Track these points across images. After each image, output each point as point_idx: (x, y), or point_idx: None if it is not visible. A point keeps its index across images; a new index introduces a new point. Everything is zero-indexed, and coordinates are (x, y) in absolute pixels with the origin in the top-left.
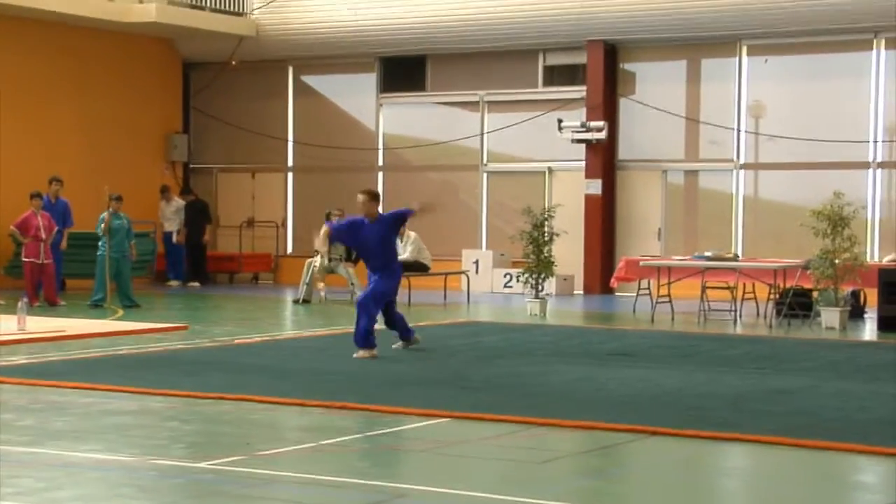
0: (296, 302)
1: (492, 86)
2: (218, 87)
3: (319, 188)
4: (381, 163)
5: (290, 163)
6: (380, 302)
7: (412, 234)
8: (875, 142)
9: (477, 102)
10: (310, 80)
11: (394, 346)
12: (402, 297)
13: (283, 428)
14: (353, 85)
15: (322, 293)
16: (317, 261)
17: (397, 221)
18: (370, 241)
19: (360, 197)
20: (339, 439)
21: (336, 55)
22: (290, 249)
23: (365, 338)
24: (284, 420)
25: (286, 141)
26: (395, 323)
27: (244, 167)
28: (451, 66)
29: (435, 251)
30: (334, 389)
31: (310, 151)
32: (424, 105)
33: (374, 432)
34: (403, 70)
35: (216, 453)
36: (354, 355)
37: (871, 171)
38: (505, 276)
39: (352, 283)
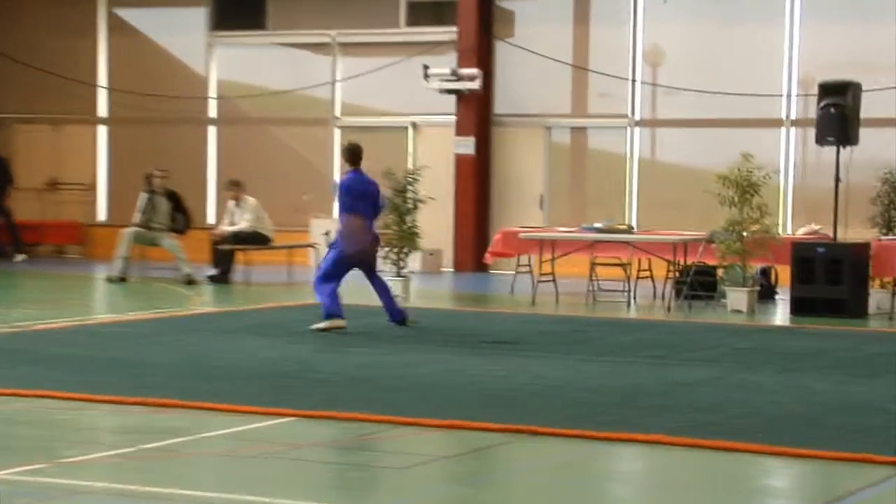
0: (110, 280)
1: (345, 24)
2: (12, 21)
3: (138, 144)
4: (213, 115)
5: (102, 113)
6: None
7: (250, 199)
8: (789, 96)
9: (328, 44)
10: (125, 13)
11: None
12: (238, 273)
13: (94, 430)
14: (178, 20)
15: None
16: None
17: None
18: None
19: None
20: (162, 443)
21: None
22: (102, 217)
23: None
24: (96, 421)
25: (97, 87)
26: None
27: (46, 118)
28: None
29: (277, 220)
30: (158, 384)
31: (126, 100)
32: (264, 47)
33: (205, 434)
34: (239, 4)
35: (10, 461)
36: (311, 327)
37: (784, 129)
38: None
39: (178, 258)
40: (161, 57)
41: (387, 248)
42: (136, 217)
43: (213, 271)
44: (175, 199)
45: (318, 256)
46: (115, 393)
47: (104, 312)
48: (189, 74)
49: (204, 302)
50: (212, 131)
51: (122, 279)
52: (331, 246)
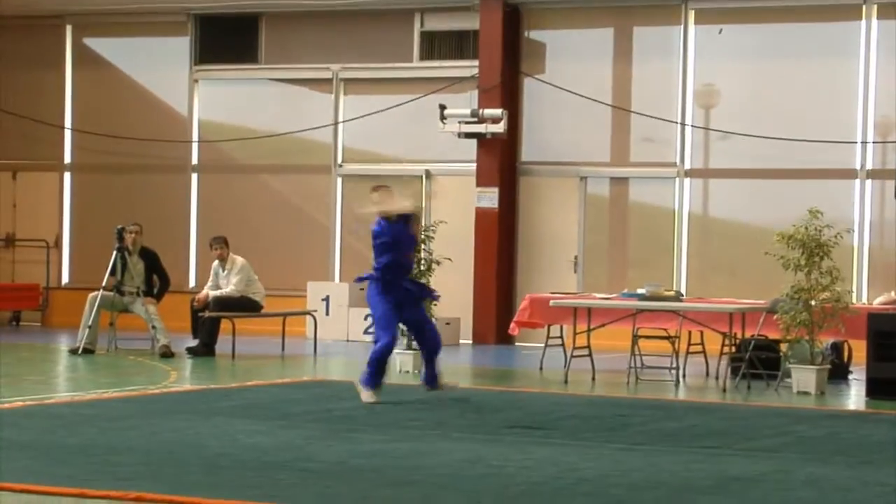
0: (74, 352)
1: (349, 58)
2: None
3: (108, 194)
4: (195, 161)
5: (67, 158)
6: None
7: (239, 259)
8: (864, 143)
9: (329, 80)
10: (96, 44)
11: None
12: (223, 345)
13: None
14: (157, 52)
15: None
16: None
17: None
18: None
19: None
20: None
21: (133, 11)
22: (65, 279)
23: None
24: None
25: (62, 128)
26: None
27: (2, 163)
28: (293, 28)
29: (270, 284)
30: (128, 474)
31: (96, 143)
32: (256, 83)
33: None
34: (227, 33)
35: None
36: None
37: (858, 181)
38: (366, 318)
39: (153, 327)
40: (137, 94)
41: None
42: (106, 279)
43: (193, 342)
44: (150, 259)
45: (315, 325)
46: (77, 485)
47: (66, 390)
48: (169, 114)
49: (183, 378)
50: (194, 180)
51: (88, 351)
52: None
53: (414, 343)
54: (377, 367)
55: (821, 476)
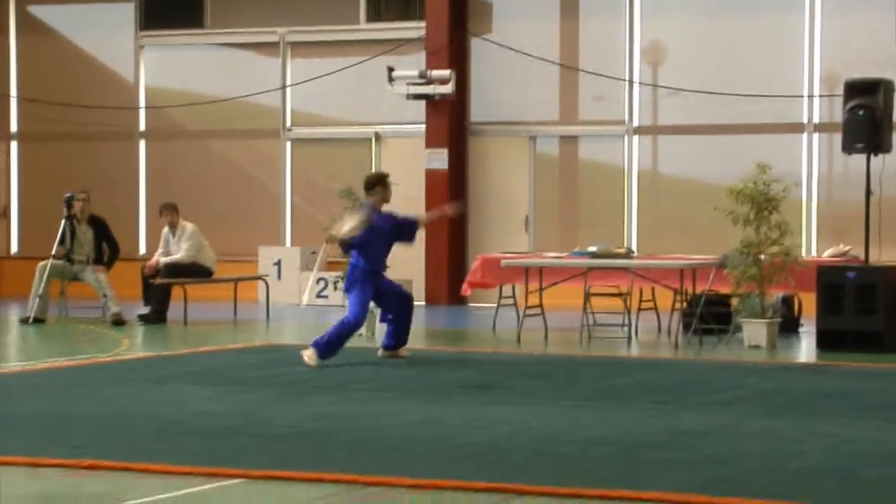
0: (24, 322)
1: (296, 21)
2: None
3: (56, 162)
4: (143, 127)
5: (13, 127)
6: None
7: (189, 225)
8: (811, 97)
9: (276, 44)
10: (40, 10)
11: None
12: (175, 311)
13: (6, 498)
14: (101, 19)
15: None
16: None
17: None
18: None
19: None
20: None
21: None
22: (14, 248)
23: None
24: (7, 487)
25: (7, 97)
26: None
27: None
28: None
29: (221, 249)
30: (80, 442)
31: (41, 112)
32: (202, 48)
33: (136, 501)
34: None
35: None
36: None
37: (805, 135)
38: (318, 281)
39: (103, 295)
40: (82, 61)
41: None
42: (55, 248)
43: (145, 309)
44: (100, 227)
45: (267, 290)
46: (29, 454)
47: (17, 360)
48: (115, 81)
49: (135, 346)
50: (142, 147)
51: (38, 320)
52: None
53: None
54: (334, 341)
55: (771, 428)
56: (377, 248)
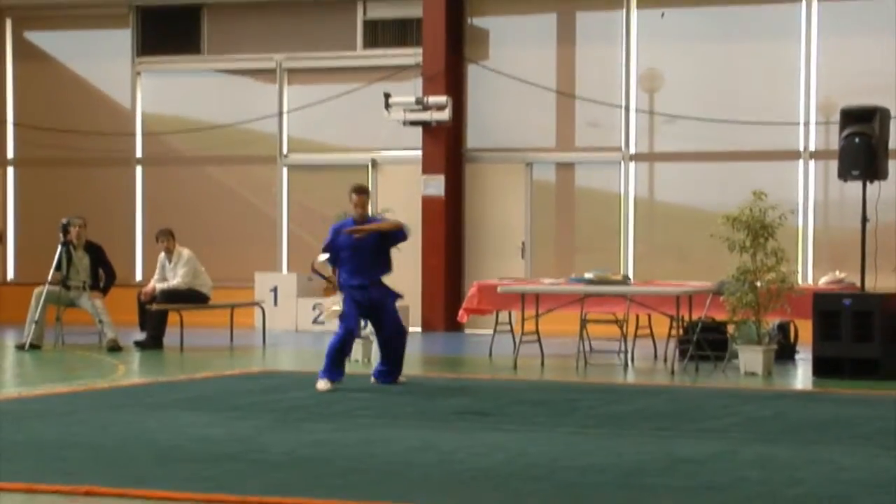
0: (20, 348)
1: (293, 48)
2: None
3: (52, 188)
4: (139, 153)
5: (9, 153)
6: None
7: (185, 251)
8: (807, 124)
9: (273, 70)
10: (36, 37)
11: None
12: (171, 338)
13: None
14: (99, 45)
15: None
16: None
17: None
18: (365, 246)
19: (357, 197)
20: None
21: (74, 3)
22: (10, 275)
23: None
24: None
25: (4, 123)
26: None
27: None
28: (236, 19)
29: (217, 275)
30: (77, 468)
31: (38, 137)
32: (199, 74)
33: None
34: (169, 24)
35: None
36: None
37: (801, 162)
38: (314, 307)
39: (100, 321)
40: (78, 87)
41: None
42: (51, 274)
43: (141, 335)
44: (96, 253)
45: (264, 316)
46: (26, 480)
47: (13, 386)
48: (111, 107)
49: (131, 372)
50: (139, 172)
51: (35, 346)
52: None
53: (363, 328)
54: (331, 357)
55: (768, 456)
56: (356, 261)
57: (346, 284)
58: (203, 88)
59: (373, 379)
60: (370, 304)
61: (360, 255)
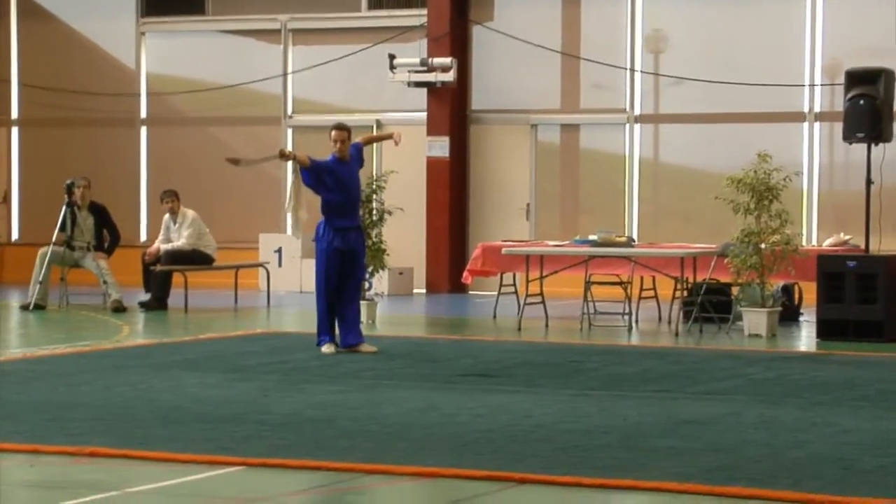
0: (24, 308)
1: (297, 8)
2: None
3: (57, 149)
4: (144, 114)
5: (14, 113)
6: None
7: (189, 212)
8: (812, 86)
9: (278, 31)
10: None
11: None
12: (175, 299)
13: (5, 485)
14: (103, 4)
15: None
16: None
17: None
18: (352, 184)
19: (336, 132)
20: (85, 499)
21: None
22: (15, 235)
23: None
24: (7, 474)
25: (8, 83)
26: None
27: None
28: None
29: (221, 236)
30: (81, 429)
31: (42, 98)
32: (204, 34)
33: (137, 488)
34: None
35: None
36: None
37: (806, 125)
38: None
39: (104, 282)
40: (83, 47)
41: None
42: (55, 234)
43: (145, 296)
44: (100, 214)
45: (268, 277)
46: (29, 441)
47: (17, 346)
48: (116, 68)
49: (135, 333)
50: (143, 133)
51: (39, 307)
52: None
53: (368, 289)
54: (319, 326)
55: (772, 417)
56: (343, 197)
57: (330, 227)
58: (208, 49)
59: (337, 348)
60: (348, 250)
61: (347, 192)
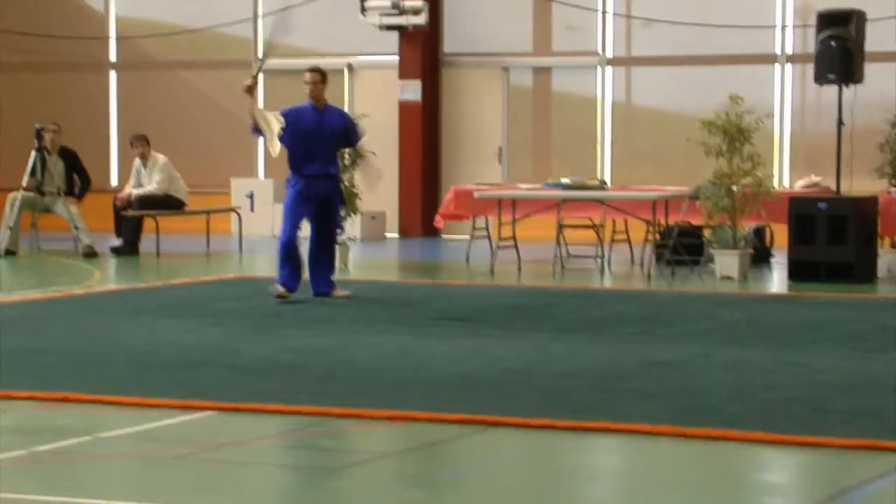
0: None
1: None
2: None
3: (25, 94)
4: (113, 58)
5: None
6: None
7: (160, 157)
8: (783, 27)
9: None
10: None
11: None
12: (147, 244)
13: None
14: None
15: None
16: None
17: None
18: (322, 132)
19: (310, 75)
20: (57, 444)
21: None
22: None
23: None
24: None
25: None
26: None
27: None
28: None
29: (193, 181)
30: (53, 375)
31: (9, 42)
32: None
33: (109, 433)
34: None
35: None
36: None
37: (778, 66)
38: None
39: (75, 227)
40: None
41: None
42: (25, 180)
43: (117, 242)
44: (71, 159)
45: (240, 222)
46: (2, 387)
47: None
48: (84, 11)
49: (107, 278)
50: (112, 77)
51: (10, 252)
52: None
53: (341, 233)
54: (280, 260)
55: (744, 359)
56: (316, 146)
57: (299, 174)
58: None
59: (288, 291)
60: (318, 199)
61: (321, 141)
